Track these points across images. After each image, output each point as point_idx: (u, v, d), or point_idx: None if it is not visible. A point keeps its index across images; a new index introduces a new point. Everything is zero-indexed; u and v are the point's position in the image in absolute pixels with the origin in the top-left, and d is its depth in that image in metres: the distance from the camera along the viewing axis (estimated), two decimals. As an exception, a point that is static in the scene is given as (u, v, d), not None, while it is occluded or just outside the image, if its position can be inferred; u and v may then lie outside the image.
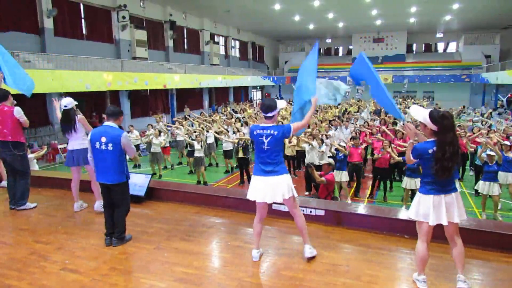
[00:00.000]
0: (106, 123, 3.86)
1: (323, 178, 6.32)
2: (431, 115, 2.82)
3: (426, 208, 2.87)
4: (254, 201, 3.37)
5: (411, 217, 3.01)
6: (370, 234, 4.06)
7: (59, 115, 4.95)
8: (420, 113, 2.90)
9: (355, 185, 9.32)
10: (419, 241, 2.96)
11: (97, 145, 3.74)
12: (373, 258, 3.53)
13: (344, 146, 8.47)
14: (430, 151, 2.84)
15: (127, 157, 4.00)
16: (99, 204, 4.79)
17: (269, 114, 3.31)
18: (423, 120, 2.86)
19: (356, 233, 4.11)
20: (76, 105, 4.82)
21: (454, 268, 3.00)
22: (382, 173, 8.74)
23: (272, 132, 3.26)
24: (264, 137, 3.26)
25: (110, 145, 3.70)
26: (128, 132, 12.36)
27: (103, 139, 3.71)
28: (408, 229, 3.96)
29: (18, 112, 4.77)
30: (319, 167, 8.98)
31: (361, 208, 4.54)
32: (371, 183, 9.49)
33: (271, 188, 3.25)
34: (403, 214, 4.28)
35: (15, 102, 4.95)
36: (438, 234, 3.04)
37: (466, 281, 2.85)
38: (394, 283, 3.16)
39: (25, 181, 4.89)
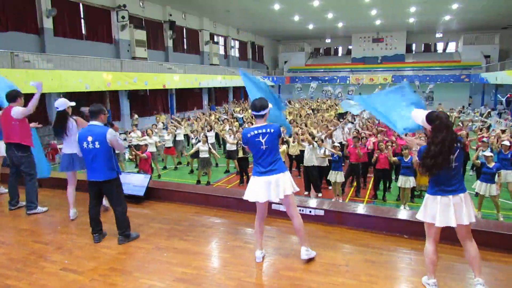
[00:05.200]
0: (91, 122, 3.90)
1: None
2: (427, 116, 2.83)
3: (433, 209, 2.84)
4: (254, 201, 3.36)
5: (419, 218, 2.97)
6: (370, 234, 4.06)
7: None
8: (419, 116, 2.91)
9: (355, 185, 9.32)
10: (427, 243, 2.92)
11: (85, 144, 3.79)
12: (373, 258, 3.53)
13: (339, 147, 8.49)
14: None
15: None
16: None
17: (261, 113, 3.30)
18: (422, 123, 2.88)
19: (356, 233, 4.11)
20: (72, 106, 4.66)
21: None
22: (382, 174, 8.75)
23: (268, 130, 3.27)
24: (260, 136, 3.26)
25: (97, 143, 3.76)
26: (131, 132, 12.33)
27: (90, 138, 3.77)
28: (407, 229, 3.97)
29: (14, 111, 4.56)
30: (320, 168, 8.99)
31: (361, 208, 4.54)
32: (371, 183, 9.50)
33: (273, 185, 3.24)
34: (403, 214, 4.28)
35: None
36: (443, 235, 3.01)
37: (484, 284, 2.77)
38: (393, 283, 3.16)
39: (31, 184, 4.78)
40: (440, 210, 2.80)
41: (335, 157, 8.34)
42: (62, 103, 4.53)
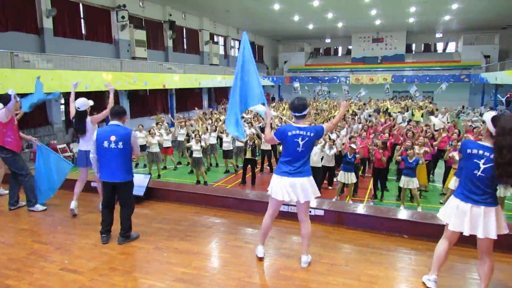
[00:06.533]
0: (112, 122, 3.89)
1: None
2: (493, 117, 2.69)
3: (450, 210, 2.83)
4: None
5: (439, 216, 2.97)
6: (370, 234, 4.06)
7: (72, 110, 4.81)
8: (487, 115, 2.79)
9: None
10: (441, 239, 2.92)
11: (105, 144, 3.76)
12: (373, 258, 3.53)
13: (355, 148, 8.26)
14: (475, 151, 2.68)
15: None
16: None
17: (304, 113, 3.24)
18: (486, 120, 2.72)
19: (356, 233, 4.12)
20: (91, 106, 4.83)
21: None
22: (379, 173, 8.74)
23: (309, 134, 3.19)
24: (300, 138, 3.18)
25: (120, 143, 3.74)
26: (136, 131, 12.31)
27: (113, 138, 3.74)
28: (407, 229, 3.96)
29: None
30: (326, 168, 8.98)
31: (361, 208, 4.54)
32: (371, 183, 9.49)
33: (297, 188, 3.17)
34: (403, 214, 4.28)
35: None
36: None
37: None
38: (393, 283, 3.16)
39: (25, 182, 4.85)
40: (456, 214, 2.78)
41: (350, 158, 8.10)
42: (83, 103, 4.66)
